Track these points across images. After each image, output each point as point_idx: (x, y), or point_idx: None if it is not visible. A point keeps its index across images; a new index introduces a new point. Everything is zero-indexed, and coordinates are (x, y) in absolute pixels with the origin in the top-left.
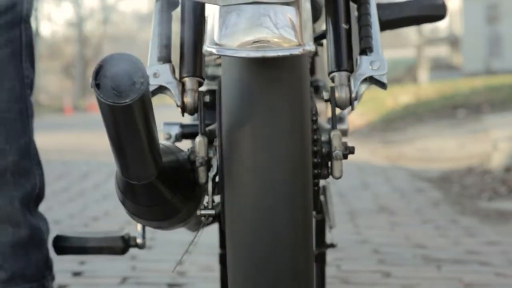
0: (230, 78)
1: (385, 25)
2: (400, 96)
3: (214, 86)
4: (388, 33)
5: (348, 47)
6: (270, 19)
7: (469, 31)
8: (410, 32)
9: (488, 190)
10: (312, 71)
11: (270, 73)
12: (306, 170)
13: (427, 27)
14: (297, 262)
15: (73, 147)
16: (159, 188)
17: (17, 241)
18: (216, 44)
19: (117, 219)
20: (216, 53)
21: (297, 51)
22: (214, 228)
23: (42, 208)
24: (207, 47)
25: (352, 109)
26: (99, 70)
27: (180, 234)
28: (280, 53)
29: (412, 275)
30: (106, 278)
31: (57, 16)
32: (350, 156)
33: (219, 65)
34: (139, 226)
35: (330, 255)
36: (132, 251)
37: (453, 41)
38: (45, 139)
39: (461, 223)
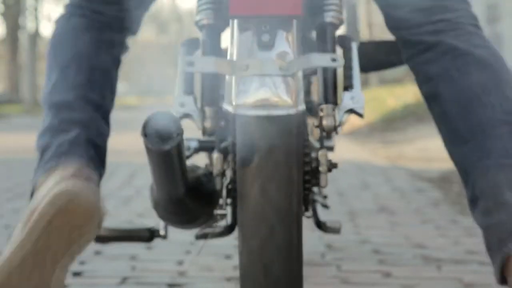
0: (241, 118)
1: (365, 67)
2: (400, 96)
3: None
4: (388, 33)
5: (334, 85)
6: (273, 87)
7: None
8: None
9: None
10: (308, 93)
11: (271, 119)
12: (298, 180)
13: None
14: (289, 241)
15: None
16: (185, 201)
17: None
18: (232, 105)
19: (117, 219)
20: (233, 112)
21: (292, 111)
22: None
23: None
24: (225, 106)
25: (336, 133)
26: (147, 124)
27: (180, 234)
28: (280, 113)
29: (412, 275)
30: (106, 278)
31: (57, 16)
32: (350, 156)
33: None
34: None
35: (330, 255)
36: (132, 251)
37: None
38: None
39: (461, 223)
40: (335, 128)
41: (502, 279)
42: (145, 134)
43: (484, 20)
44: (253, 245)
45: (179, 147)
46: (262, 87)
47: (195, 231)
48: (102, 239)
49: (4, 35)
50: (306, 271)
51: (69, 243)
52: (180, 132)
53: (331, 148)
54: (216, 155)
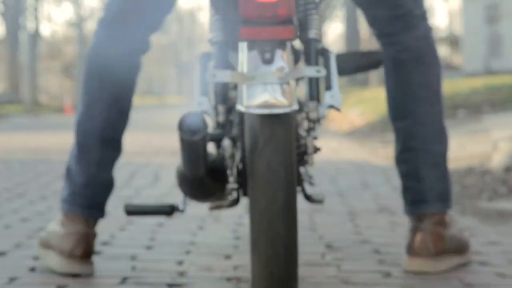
0: (250, 116)
1: (341, 72)
2: None
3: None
4: None
5: (317, 88)
6: (273, 92)
7: (469, 31)
8: None
9: (488, 190)
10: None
11: (272, 116)
12: (293, 159)
13: None
14: (288, 205)
15: None
16: (205, 179)
17: None
18: (243, 106)
19: (117, 219)
20: (244, 111)
21: (287, 110)
22: (214, 228)
23: (42, 208)
24: (238, 107)
25: (320, 124)
26: (181, 121)
27: (180, 234)
28: (279, 111)
29: (412, 275)
30: (106, 278)
31: (57, 16)
32: (350, 156)
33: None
34: (181, 197)
35: (330, 255)
36: (132, 251)
37: (453, 41)
38: (45, 139)
39: (461, 223)
40: (318, 120)
41: (415, 229)
42: (180, 128)
43: (484, 20)
44: (260, 206)
45: (204, 138)
46: (265, 92)
47: (194, 233)
48: (131, 212)
49: (4, 35)
50: (306, 271)
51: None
52: (206, 127)
53: (315, 137)
54: (226, 142)
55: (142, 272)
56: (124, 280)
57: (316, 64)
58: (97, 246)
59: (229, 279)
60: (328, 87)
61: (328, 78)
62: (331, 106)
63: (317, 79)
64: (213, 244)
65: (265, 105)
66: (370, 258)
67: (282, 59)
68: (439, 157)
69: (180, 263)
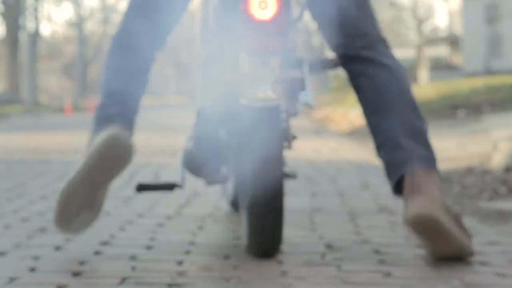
0: (251, 107)
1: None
2: None
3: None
4: (389, 33)
5: (293, 87)
6: (267, 90)
7: (469, 31)
8: (410, 32)
9: (488, 190)
10: None
11: (265, 108)
12: (279, 139)
13: (427, 27)
14: (277, 176)
15: (73, 147)
16: (207, 159)
17: None
18: (246, 100)
19: (117, 219)
20: (246, 104)
21: (276, 103)
22: (214, 228)
23: (42, 208)
24: (241, 101)
25: (295, 117)
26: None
27: (180, 234)
28: (270, 104)
29: (412, 275)
30: (106, 278)
31: (57, 16)
32: (350, 156)
33: None
34: (180, 174)
35: (330, 255)
36: (132, 251)
37: (453, 41)
38: (45, 139)
39: None
40: (295, 113)
41: (397, 192)
42: None
43: (484, 20)
44: (247, 171)
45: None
46: (261, 90)
47: (194, 233)
48: (140, 189)
49: (4, 35)
50: (306, 271)
51: (112, 170)
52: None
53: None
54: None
55: (142, 272)
56: (124, 280)
57: (296, 68)
58: (97, 246)
59: (228, 279)
60: (302, 88)
61: (302, 80)
62: (306, 103)
63: (294, 81)
64: (213, 244)
65: (261, 100)
66: (370, 258)
67: (273, 65)
68: (419, 130)
69: (180, 263)
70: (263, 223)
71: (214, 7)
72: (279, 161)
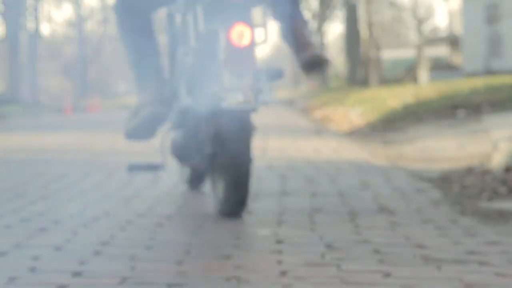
0: (229, 110)
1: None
2: (400, 96)
3: None
4: (388, 33)
5: (257, 93)
6: (244, 96)
7: (469, 31)
8: (410, 32)
9: (488, 190)
10: None
11: (242, 110)
12: (251, 129)
13: (427, 27)
14: (245, 140)
15: (73, 147)
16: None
17: None
18: (225, 103)
19: (117, 219)
20: (223, 107)
21: (250, 106)
22: (214, 228)
23: (42, 208)
24: (223, 104)
25: (255, 113)
26: None
27: (180, 234)
28: (245, 107)
29: (412, 275)
30: (106, 278)
31: (57, 16)
32: (350, 156)
33: None
34: (162, 157)
35: (330, 255)
36: (132, 251)
37: (453, 41)
38: (45, 139)
39: (461, 223)
40: (256, 110)
41: (307, 69)
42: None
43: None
44: (229, 156)
45: None
46: (239, 96)
47: (194, 233)
48: (131, 169)
49: (4, 35)
50: (306, 271)
51: None
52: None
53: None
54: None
55: (142, 272)
56: (124, 280)
57: (259, 78)
58: (97, 246)
59: (229, 279)
60: (260, 92)
61: (261, 87)
62: (264, 102)
63: (258, 88)
64: (213, 244)
65: (238, 103)
66: (370, 258)
67: (245, 79)
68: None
69: (180, 263)
70: (239, 182)
71: (196, 32)
72: (249, 144)
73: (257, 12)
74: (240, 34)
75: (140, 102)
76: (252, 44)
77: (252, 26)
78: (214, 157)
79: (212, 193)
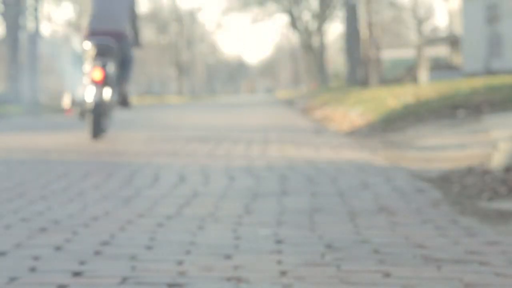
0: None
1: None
2: (400, 96)
3: None
4: (388, 33)
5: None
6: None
7: (469, 31)
8: (410, 32)
9: (488, 190)
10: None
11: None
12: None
13: (427, 27)
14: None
15: (73, 147)
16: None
17: None
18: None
19: (117, 219)
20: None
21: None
22: (214, 228)
23: (42, 208)
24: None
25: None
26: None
27: (180, 234)
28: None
29: (412, 275)
30: (106, 278)
31: (57, 16)
32: (350, 156)
33: None
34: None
35: (330, 255)
36: (132, 251)
37: (453, 41)
38: (45, 139)
39: (461, 223)
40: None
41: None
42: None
43: (484, 20)
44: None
45: None
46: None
47: (194, 233)
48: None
49: (4, 35)
50: (306, 271)
51: None
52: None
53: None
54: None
55: (142, 272)
56: (124, 280)
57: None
58: (97, 246)
59: (229, 279)
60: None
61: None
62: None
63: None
64: (213, 244)
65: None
66: (370, 258)
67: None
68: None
69: (180, 263)
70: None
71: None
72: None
73: None
74: (95, 74)
75: None
76: (105, 77)
77: None
78: None
79: None
